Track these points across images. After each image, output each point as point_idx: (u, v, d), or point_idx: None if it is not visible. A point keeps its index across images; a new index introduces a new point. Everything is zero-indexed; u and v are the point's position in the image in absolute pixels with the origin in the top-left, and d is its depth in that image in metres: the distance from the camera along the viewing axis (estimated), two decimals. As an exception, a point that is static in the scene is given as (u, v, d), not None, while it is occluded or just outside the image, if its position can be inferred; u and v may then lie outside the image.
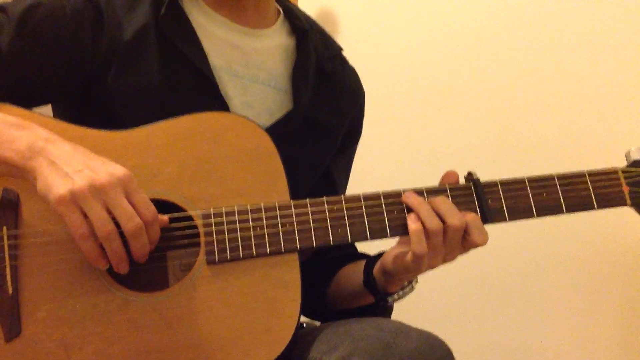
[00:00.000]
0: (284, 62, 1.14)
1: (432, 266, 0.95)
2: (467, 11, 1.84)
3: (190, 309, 0.90)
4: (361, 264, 1.08)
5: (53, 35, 0.99)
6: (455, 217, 0.93)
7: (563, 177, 1.01)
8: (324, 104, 1.16)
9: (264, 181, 0.97)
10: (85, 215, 0.81)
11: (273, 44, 1.13)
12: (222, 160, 0.97)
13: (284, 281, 0.93)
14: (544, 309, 1.67)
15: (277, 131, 1.04)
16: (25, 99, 0.98)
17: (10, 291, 0.86)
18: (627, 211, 1.04)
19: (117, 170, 0.83)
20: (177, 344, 0.88)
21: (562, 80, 1.62)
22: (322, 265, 1.14)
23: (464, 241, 0.94)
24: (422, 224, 0.93)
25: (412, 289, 1.06)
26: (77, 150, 0.85)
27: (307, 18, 1.20)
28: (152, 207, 0.86)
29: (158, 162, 0.95)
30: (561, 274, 1.64)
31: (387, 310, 1.12)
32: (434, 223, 0.93)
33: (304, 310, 0.94)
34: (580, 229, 1.58)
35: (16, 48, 0.97)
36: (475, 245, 0.94)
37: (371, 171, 1.95)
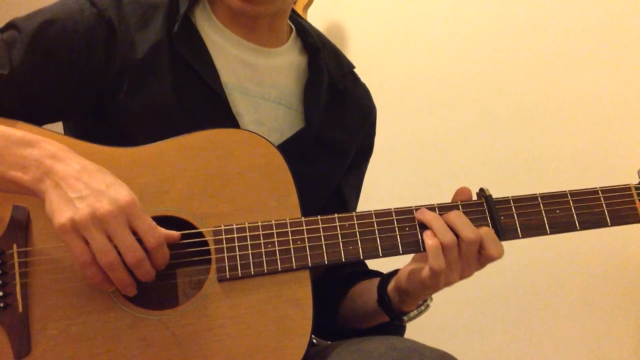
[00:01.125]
0: (296, 80, 1.14)
1: (449, 283, 0.94)
2: (477, 26, 1.84)
3: (201, 326, 0.89)
4: (374, 282, 1.07)
5: (66, 53, 0.99)
6: (469, 230, 0.93)
7: (576, 194, 1.01)
8: (335, 122, 1.16)
9: (275, 197, 0.97)
10: (87, 243, 0.82)
11: (285, 62, 1.13)
12: (233, 176, 0.96)
13: (295, 299, 0.92)
14: (558, 327, 1.66)
15: (288, 149, 1.04)
16: (38, 116, 0.99)
17: (21, 309, 0.86)
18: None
19: (121, 196, 0.83)
20: (188, 362, 0.88)
21: (577, 94, 1.61)
22: (333, 284, 1.13)
23: (480, 256, 0.94)
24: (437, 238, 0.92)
25: (427, 307, 1.04)
26: (84, 170, 0.84)
27: (319, 36, 1.20)
28: (158, 233, 0.85)
29: (169, 179, 0.95)
30: (576, 293, 1.62)
31: (400, 329, 1.11)
32: (447, 237, 0.92)
33: (315, 329, 0.93)
34: (596, 246, 1.56)
35: (29, 65, 0.97)
36: (491, 259, 0.94)
37: (382, 186, 1.95)
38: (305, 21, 1.22)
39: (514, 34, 1.75)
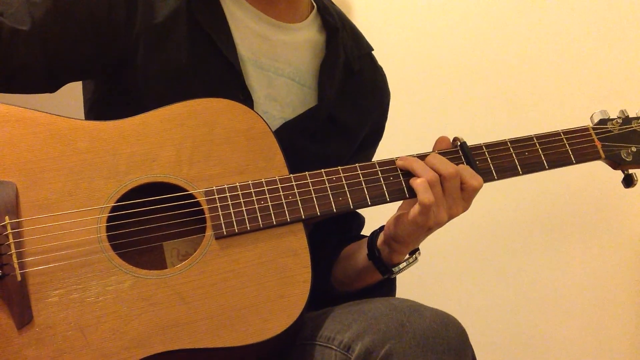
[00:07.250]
0: (312, 57, 1.15)
1: (438, 221, 0.97)
2: (484, 3, 1.82)
3: (204, 282, 0.90)
4: (364, 241, 1.10)
5: (87, 14, 1.00)
6: (448, 165, 0.98)
7: (541, 137, 1.07)
8: (348, 102, 1.17)
9: (262, 158, 0.99)
10: None
11: (302, 39, 1.14)
12: (218, 142, 0.98)
13: (292, 249, 0.94)
14: (558, 294, 1.68)
15: (298, 126, 1.06)
16: (60, 75, 1.01)
17: (19, 278, 0.84)
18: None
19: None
20: (195, 316, 0.88)
21: (579, 77, 1.63)
22: (326, 249, 1.15)
23: (463, 191, 0.98)
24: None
25: (415, 259, 1.07)
26: None
27: (340, 15, 1.21)
28: None
29: (155, 148, 0.96)
30: (576, 264, 1.64)
31: (391, 289, 1.13)
32: (430, 174, 0.97)
33: (312, 298, 0.93)
34: (596, 221, 1.60)
35: (50, 21, 0.98)
36: (474, 190, 0.99)
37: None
38: (329, 0, 1.22)
39: (517, 13, 1.75)
